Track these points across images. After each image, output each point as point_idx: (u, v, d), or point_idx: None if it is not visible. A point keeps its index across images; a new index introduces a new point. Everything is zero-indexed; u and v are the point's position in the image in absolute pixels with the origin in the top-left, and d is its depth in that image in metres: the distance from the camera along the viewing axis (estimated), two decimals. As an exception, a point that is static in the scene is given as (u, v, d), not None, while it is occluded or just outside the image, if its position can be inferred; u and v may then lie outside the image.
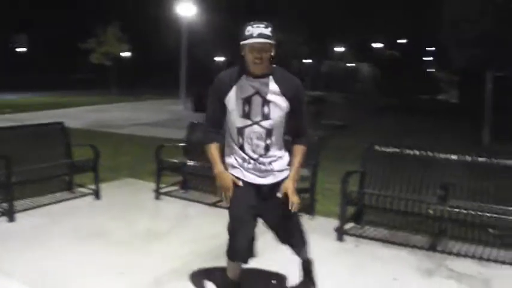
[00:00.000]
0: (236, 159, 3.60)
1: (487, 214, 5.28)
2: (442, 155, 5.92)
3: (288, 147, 3.71)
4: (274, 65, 3.52)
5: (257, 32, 3.32)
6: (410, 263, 5.12)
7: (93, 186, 6.96)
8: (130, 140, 12.88)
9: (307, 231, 4.12)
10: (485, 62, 14.14)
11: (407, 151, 6.05)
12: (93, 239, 5.34)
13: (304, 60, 45.45)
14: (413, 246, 5.56)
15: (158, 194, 6.96)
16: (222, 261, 4.73)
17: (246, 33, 3.35)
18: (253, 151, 3.55)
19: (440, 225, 5.91)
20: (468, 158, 5.78)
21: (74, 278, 4.37)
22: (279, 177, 3.64)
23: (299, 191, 3.77)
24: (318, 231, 5.68)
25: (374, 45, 40.39)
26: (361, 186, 6.04)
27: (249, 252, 3.73)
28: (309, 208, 6.38)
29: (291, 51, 31.94)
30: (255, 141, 3.52)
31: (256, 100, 3.45)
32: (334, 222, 5.92)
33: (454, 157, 5.85)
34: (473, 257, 5.32)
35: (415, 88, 35.16)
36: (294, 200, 3.56)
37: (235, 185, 3.57)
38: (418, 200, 5.65)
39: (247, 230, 3.61)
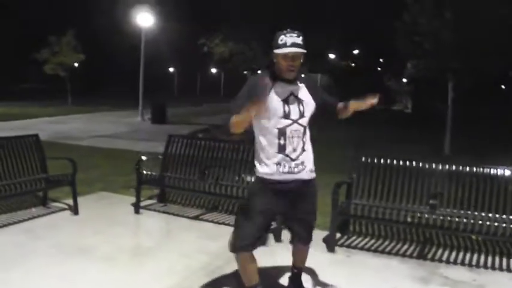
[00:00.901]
0: (273, 163, 3.70)
1: (472, 221, 5.40)
2: (427, 165, 5.97)
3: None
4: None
5: (290, 41, 3.52)
6: (403, 271, 5.14)
7: (67, 201, 6.73)
8: (94, 152, 12.55)
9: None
10: (444, 72, 14.49)
11: (394, 161, 6.08)
12: (78, 256, 5.11)
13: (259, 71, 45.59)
14: (404, 255, 5.59)
15: (138, 207, 6.77)
16: (218, 278, 4.71)
17: (280, 42, 3.53)
18: (294, 149, 3.68)
19: (429, 234, 5.99)
20: (453, 168, 5.84)
21: None
22: (311, 175, 3.85)
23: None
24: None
25: (330, 55, 40.94)
26: (349, 197, 6.03)
27: (257, 240, 3.86)
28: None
29: (245, 61, 31.92)
30: (296, 139, 3.67)
31: (293, 100, 3.66)
32: (321, 233, 5.87)
33: (439, 167, 5.90)
34: (463, 264, 5.39)
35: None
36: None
37: (260, 186, 3.78)
38: (408, 209, 5.70)
39: (259, 223, 3.79)
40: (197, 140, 7.21)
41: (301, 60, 3.61)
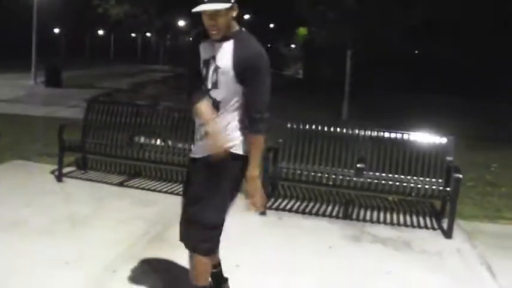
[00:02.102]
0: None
1: (390, 182, 5.81)
2: (350, 130, 6.31)
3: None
4: (243, 29, 3.17)
5: None
6: (334, 231, 5.47)
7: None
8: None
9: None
10: (345, 41, 15.07)
11: (319, 127, 6.35)
12: (12, 230, 4.81)
13: (148, 34, 44.61)
14: (331, 216, 5.93)
15: (60, 176, 6.54)
16: (162, 243, 4.74)
17: None
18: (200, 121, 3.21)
19: (353, 196, 6.38)
20: (375, 133, 6.21)
21: (18, 275, 3.94)
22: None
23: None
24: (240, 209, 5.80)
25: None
26: (275, 161, 6.21)
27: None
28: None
29: (138, 24, 31.07)
30: (223, 112, 3.16)
31: (211, 66, 3.13)
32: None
33: (361, 132, 6.25)
34: (385, 223, 5.83)
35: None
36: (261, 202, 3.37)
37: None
38: (332, 172, 6.00)
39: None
40: (119, 106, 7.02)
41: (232, 16, 3.04)
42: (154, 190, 6.44)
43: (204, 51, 3.16)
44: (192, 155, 3.33)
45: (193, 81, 3.23)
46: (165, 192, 6.41)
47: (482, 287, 4.38)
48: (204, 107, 3.11)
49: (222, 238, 3.34)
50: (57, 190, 6.22)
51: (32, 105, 14.26)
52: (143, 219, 5.35)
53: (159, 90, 17.18)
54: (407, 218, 6.04)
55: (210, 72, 3.12)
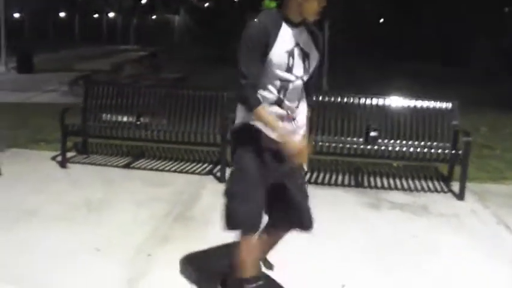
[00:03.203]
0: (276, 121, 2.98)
1: (398, 149, 5.92)
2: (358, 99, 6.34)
3: None
4: None
5: None
6: (351, 200, 5.54)
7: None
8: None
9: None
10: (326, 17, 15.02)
11: (325, 97, 6.37)
12: (28, 218, 4.70)
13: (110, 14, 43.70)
14: (343, 185, 6.00)
15: (64, 161, 6.43)
16: (187, 222, 4.74)
17: None
18: (289, 108, 3.02)
19: (359, 164, 6.45)
20: (380, 100, 6.25)
21: (55, 264, 3.85)
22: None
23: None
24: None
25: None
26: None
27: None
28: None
29: (104, 3, 30.41)
30: (294, 97, 3.02)
31: (299, 53, 2.96)
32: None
33: (367, 100, 6.28)
34: (397, 189, 5.93)
35: (232, 39, 35.99)
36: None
37: (256, 140, 2.98)
38: (343, 141, 6.03)
39: (261, 197, 3.03)
40: (120, 87, 6.93)
41: None
42: (163, 170, 6.39)
43: (286, 36, 2.93)
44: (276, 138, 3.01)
45: (257, 73, 2.91)
46: (174, 171, 6.37)
47: (504, 245, 4.52)
48: (265, 112, 2.93)
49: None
50: (64, 176, 6.11)
51: (7, 91, 13.87)
52: (160, 200, 5.30)
53: (137, 69, 16.91)
54: (417, 182, 6.16)
55: (298, 59, 2.96)
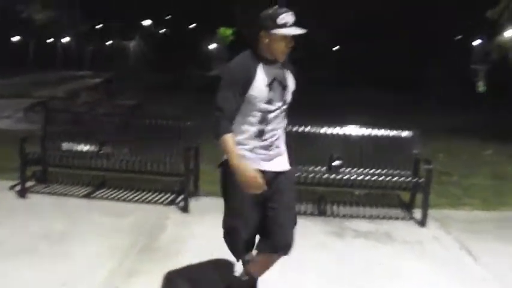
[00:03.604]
0: (251, 147, 3.35)
1: (361, 177, 5.97)
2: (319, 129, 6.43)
3: None
4: None
5: (291, 20, 3.25)
6: (316, 229, 5.56)
7: None
8: None
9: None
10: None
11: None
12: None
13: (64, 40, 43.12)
14: (306, 214, 6.03)
15: (24, 191, 6.26)
16: (153, 254, 4.68)
17: (279, 21, 3.22)
18: (272, 136, 3.39)
19: (322, 192, 6.50)
20: (342, 130, 6.36)
21: None
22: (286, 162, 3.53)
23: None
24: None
25: (144, 22, 40.18)
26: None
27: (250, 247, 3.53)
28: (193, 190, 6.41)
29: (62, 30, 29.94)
30: (275, 126, 3.39)
31: (277, 86, 3.35)
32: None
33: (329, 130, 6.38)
34: (359, 217, 6.00)
35: (189, 65, 36.10)
36: None
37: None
38: (307, 170, 6.08)
39: (250, 225, 3.40)
40: (80, 115, 6.84)
41: None
42: (124, 200, 6.30)
43: (265, 73, 3.31)
44: (267, 169, 3.37)
45: (233, 108, 3.29)
46: (136, 201, 6.29)
47: (467, 270, 4.63)
48: (231, 140, 3.27)
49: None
50: (24, 207, 5.95)
51: None
52: (124, 231, 5.22)
53: (93, 96, 16.69)
54: (379, 210, 6.25)
55: (278, 91, 3.36)
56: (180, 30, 39.89)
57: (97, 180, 6.83)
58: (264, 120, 3.35)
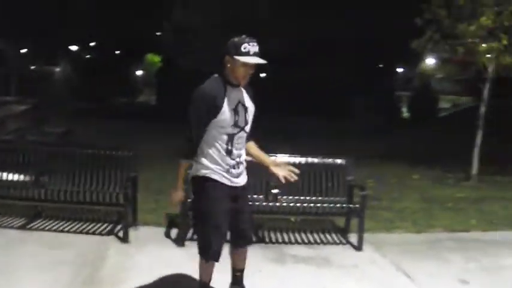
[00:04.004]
0: (220, 166, 3.81)
1: (298, 204, 6.12)
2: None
3: None
4: None
5: (253, 50, 3.65)
6: (256, 256, 5.50)
7: None
8: None
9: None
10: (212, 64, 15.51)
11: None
12: None
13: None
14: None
15: None
16: (97, 285, 4.63)
17: (243, 49, 3.62)
18: (238, 155, 3.87)
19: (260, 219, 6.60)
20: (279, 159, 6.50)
21: None
22: (246, 179, 4.05)
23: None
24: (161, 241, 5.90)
25: (71, 47, 39.34)
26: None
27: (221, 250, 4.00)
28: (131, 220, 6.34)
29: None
30: (240, 145, 3.86)
31: (241, 109, 3.79)
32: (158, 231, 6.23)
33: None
34: (298, 242, 6.17)
35: (116, 91, 35.70)
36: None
37: (213, 189, 3.82)
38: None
39: (223, 232, 3.91)
40: (13, 144, 6.66)
41: None
42: (62, 231, 6.17)
43: (231, 97, 3.74)
44: (235, 184, 3.89)
45: (201, 134, 3.77)
46: (74, 232, 6.17)
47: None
48: (184, 168, 3.91)
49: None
50: None
51: None
52: (65, 263, 5.10)
53: (21, 123, 16.17)
54: (316, 236, 6.43)
55: (242, 114, 3.80)
56: (107, 56, 39.43)
57: (32, 211, 6.63)
58: (231, 141, 3.78)
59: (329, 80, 27.03)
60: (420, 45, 10.32)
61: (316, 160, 6.48)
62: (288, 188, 6.21)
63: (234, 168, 3.86)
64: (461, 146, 15.36)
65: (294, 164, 6.22)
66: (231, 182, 3.87)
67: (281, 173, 3.96)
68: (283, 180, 3.96)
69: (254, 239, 6.02)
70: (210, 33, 14.34)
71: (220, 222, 3.84)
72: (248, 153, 4.06)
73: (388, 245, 6.12)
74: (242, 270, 4.30)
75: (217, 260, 3.96)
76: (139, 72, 46.74)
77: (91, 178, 6.35)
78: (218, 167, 3.82)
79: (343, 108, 26.47)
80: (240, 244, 4.16)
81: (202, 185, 3.86)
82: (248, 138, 4.01)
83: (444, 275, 5.31)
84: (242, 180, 3.98)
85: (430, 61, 35.14)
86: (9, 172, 6.42)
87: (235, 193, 3.91)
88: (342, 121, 23.07)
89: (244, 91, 3.88)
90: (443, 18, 9.81)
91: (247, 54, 3.64)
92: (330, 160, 6.50)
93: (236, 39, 3.69)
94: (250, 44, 3.65)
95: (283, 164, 4.08)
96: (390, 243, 6.21)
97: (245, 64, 3.66)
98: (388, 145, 15.80)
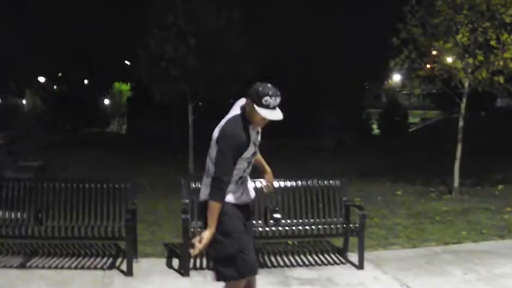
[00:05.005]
0: (241, 191, 3.97)
1: (295, 228, 6.12)
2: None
3: None
4: None
5: (274, 104, 3.72)
6: (260, 280, 5.53)
7: None
8: None
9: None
10: (187, 94, 15.58)
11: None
12: None
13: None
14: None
15: None
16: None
17: (263, 102, 3.68)
18: (245, 180, 4.02)
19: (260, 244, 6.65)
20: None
21: None
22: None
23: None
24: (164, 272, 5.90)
25: (40, 78, 39.04)
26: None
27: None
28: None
29: None
30: (248, 172, 4.02)
31: (256, 137, 3.96)
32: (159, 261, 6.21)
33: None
34: (299, 265, 6.24)
35: (86, 121, 35.44)
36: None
37: (232, 209, 3.90)
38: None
39: (252, 244, 4.04)
40: (10, 182, 6.57)
41: None
42: (62, 268, 6.09)
43: (252, 134, 3.87)
44: (244, 202, 4.02)
45: (229, 178, 3.83)
46: (75, 268, 6.09)
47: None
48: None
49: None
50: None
51: None
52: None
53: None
54: (315, 257, 6.50)
55: (257, 140, 3.97)
56: (74, 86, 39.16)
57: (28, 249, 6.56)
58: (249, 164, 3.97)
59: (299, 99, 27.33)
60: (397, 63, 10.62)
61: (312, 182, 6.58)
62: (285, 211, 6.34)
63: (243, 191, 4.01)
64: (436, 159, 15.84)
65: (291, 187, 6.52)
66: (245, 200, 4.04)
67: (270, 179, 4.37)
68: (265, 190, 4.43)
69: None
70: (185, 62, 14.42)
71: (246, 238, 3.95)
72: None
73: (387, 262, 6.25)
74: None
75: (255, 273, 4.02)
76: (106, 101, 46.53)
77: (89, 212, 6.34)
78: (241, 193, 3.99)
79: (313, 128, 26.74)
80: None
81: (221, 216, 3.88)
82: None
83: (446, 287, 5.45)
84: (252, 196, 4.14)
85: (396, 77, 35.92)
86: (4, 210, 6.36)
87: (247, 212, 4.08)
88: (312, 140, 23.27)
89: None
90: (419, 37, 10.12)
91: (267, 107, 3.70)
92: (325, 182, 6.61)
93: (260, 88, 3.72)
94: (273, 98, 3.69)
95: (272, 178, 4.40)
96: (389, 260, 6.34)
97: (263, 117, 3.75)
98: (364, 162, 16.05)
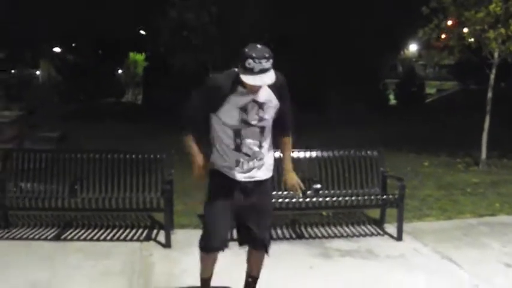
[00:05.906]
0: (227, 161, 3.67)
1: (334, 198, 6.10)
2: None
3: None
4: None
5: (259, 67, 3.28)
6: (301, 252, 5.66)
7: None
8: None
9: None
10: (208, 63, 15.47)
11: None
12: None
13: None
14: (279, 239, 6.10)
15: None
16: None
17: (246, 65, 3.27)
18: (250, 149, 3.63)
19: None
20: (310, 153, 6.52)
21: None
22: (267, 174, 3.82)
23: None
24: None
25: (55, 49, 38.85)
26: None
27: (226, 242, 3.83)
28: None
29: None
30: (251, 141, 3.60)
31: (252, 106, 3.53)
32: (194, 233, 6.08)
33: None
34: (337, 236, 6.19)
35: (101, 92, 35.33)
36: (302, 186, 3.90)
37: (217, 182, 3.72)
38: (282, 196, 6.17)
39: (226, 221, 3.75)
40: (43, 153, 6.55)
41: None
42: (98, 240, 6.09)
43: (240, 96, 3.50)
44: (247, 178, 3.70)
45: (197, 118, 3.67)
46: (111, 240, 6.09)
47: (456, 278, 4.96)
48: (190, 138, 3.73)
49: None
50: (-4, 255, 5.60)
51: None
52: (113, 274, 5.00)
53: (18, 130, 15.93)
54: (352, 228, 6.45)
55: (254, 110, 3.54)
56: (89, 57, 38.89)
57: (61, 221, 6.55)
58: (238, 136, 3.58)
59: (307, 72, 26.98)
60: (426, 33, 10.40)
61: (349, 152, 6.50)
62: (323, 182, 6.27)
63: (244, 162, 3.64)
64: (456, 130, 15.66)
65: (328, 157, 6.42)
66: (242, 176, 3.66)
67: (290, 182, 3.88)
68: (291, 190, 3.95)
69: (293, 235, 6.09)
70: (207, 31, 14.30)
71: (218, 213, 3.69)
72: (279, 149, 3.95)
73: (424, 234, 6.19)
74: (254, 278, 4.12)
75: (206, 252, 3.83)
76: (121, 72, 46.32)
77: (124, 183, 6.32)
78: (225, 162, 3.67)
79: (331, 100, 26.40)
80: (251, 246, 4.00)
81: (210, 178, 3.77)
82: (279, 133, 3.83)
83: (488, 260, 5.40)
84: (257, 175, 3.71)
85: (412, 47, 35.47)
86: (37, 183, 6.35)
87: (248, 188, 3.70)
88: (330, 113, 22.98)
89: (269, 87, 3.52)
90: (449, 6, 9.89)
91: (250, 71, 3.28)
92: (364, 152, 6.53)
93: (246, 49, 3.30)
94: (257, 60, 3.24)
95: (294, 178, 3.89)
96: (426, 232, 6.28)
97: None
98: (384, 133, 15.84)
